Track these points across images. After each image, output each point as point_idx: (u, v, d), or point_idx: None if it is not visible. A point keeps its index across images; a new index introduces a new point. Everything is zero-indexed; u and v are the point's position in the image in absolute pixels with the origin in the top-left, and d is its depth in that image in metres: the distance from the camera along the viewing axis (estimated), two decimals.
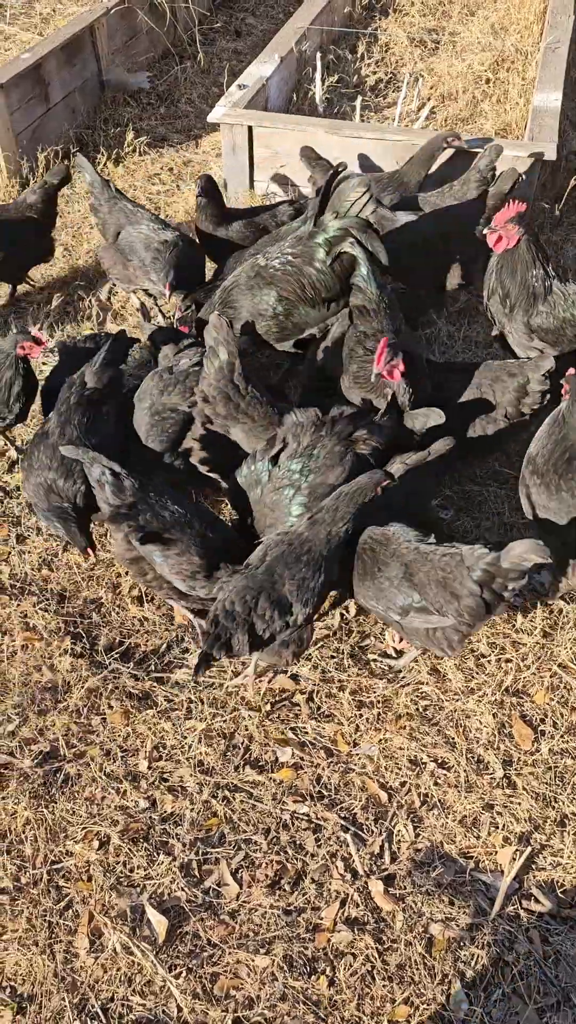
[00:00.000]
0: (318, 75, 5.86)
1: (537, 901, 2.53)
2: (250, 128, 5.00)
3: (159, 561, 2.85)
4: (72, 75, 5.83)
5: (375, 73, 6.39)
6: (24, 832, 2.65)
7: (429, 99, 6.00)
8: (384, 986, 2.36)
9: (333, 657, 3.10)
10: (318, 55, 5.97)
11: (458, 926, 2.47)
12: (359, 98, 5.79)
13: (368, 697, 3.00)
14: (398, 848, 2.64)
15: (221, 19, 7.61)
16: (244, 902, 2.52)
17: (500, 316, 3.68)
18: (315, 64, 5.93)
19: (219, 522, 3.09)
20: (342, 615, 3.23)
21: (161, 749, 2.86)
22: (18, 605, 3.23)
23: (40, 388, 3.61)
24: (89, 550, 3.16)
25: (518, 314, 3.59)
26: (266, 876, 2.57)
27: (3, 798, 2.71)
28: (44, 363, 4.08)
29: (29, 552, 3.44)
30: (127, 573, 3.24)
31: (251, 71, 5.50)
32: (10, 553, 3.44)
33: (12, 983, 2.39)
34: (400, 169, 4.54)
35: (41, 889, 2.54)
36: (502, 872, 2.57)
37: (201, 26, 7.08)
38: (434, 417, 3.14)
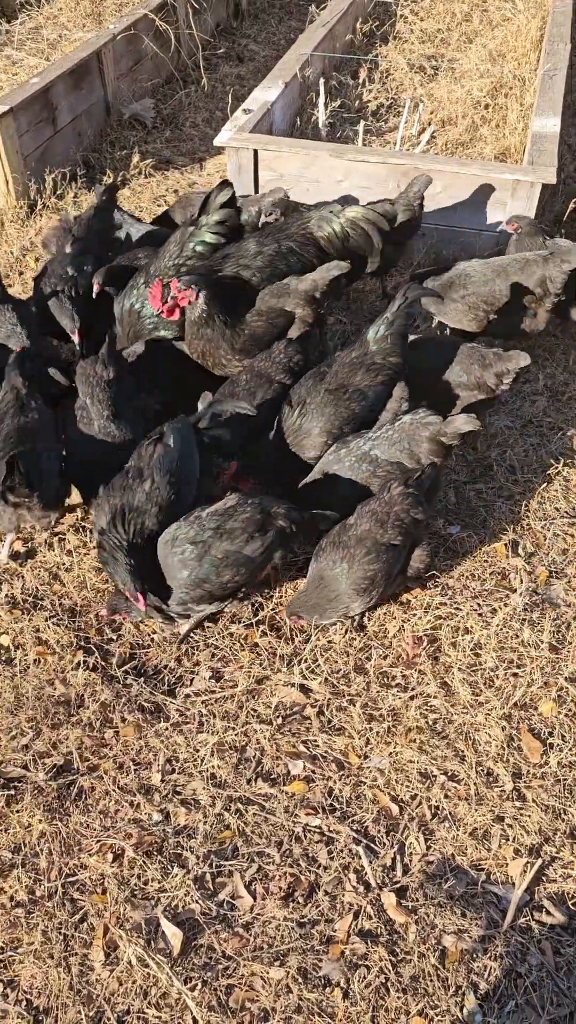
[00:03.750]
0: (321, 100, 5.98)
1: (548, 913, 2.55)
2: (255, 151, 5.09)
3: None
4: (79, 99, 5.93)
5: (376, 98, 6.51)
6: (39, 845, 2.66)
7: (429, 124, 6.11)
8: (399, 998, 2.38)
9: (339, 671, 3.14)
10: (321, 80, 6.09)
11: (471, 938, 2.49)
12: (361, 123, 5.90)
13: (378, 710, 3.03)
14: (410, 860, 2.66)
15: (224, 45, 7.75)
16: (258, 914, 2.54)
17: None
18: (318, 89, 6.05)
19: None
20: (346, 631, 3.27)
21: (174, 762, 2.89)
22: (30, 619, 3.26)
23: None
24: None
25: None
26: (279, 888, 2.59)
27: (17, 811, 2.73)
28: None
29: (39, 567, 3.48)
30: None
31: (256, 96, 5.61)
32: (22, 568, 3.47)
33: (28, 996, 2.40)
34: None
35: (56, 902, 2.56)
36: (513, 884, 2.60)
37: (204, 52, 7.21)
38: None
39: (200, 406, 3.51)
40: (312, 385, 3.49)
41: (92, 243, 4.25)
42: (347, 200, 4.58)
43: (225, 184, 4.08)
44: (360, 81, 6.64)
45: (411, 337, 3.80)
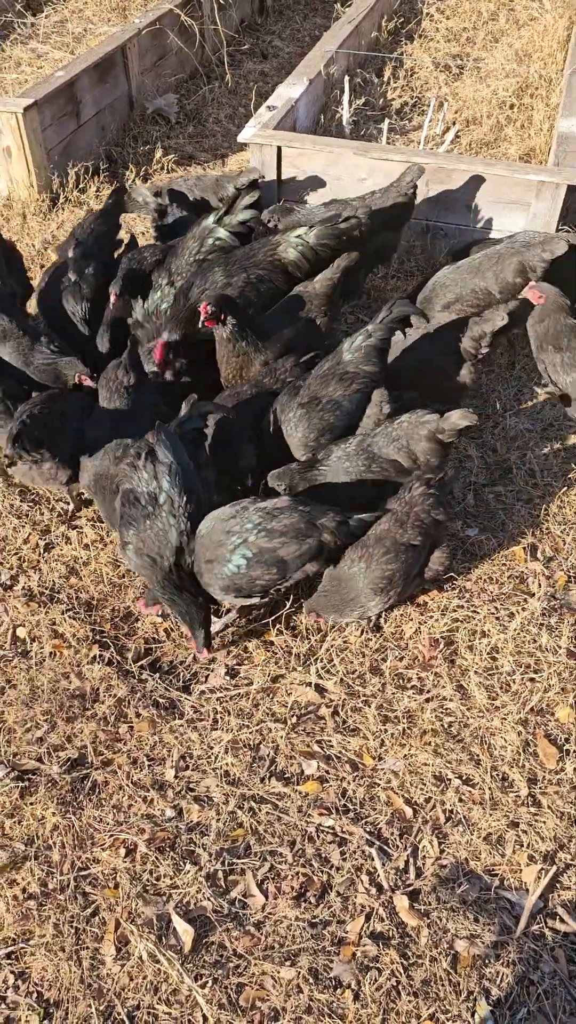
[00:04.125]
0: (346, 97, 5.95)
1: (562, 921, 2.53)
2: (279, 148, 5.08)
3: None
4: (103, 93, 5.93)
5: (401, 97, 6.49)
6: (52, 838, 2.67)
7: (454, 123, 6.08)
8: (410, 1001, 2.36)
9: (355, 672, 3.12)
10: (345, 78, 6.07)
11: (483, 943, 2.48)
12: (386, 121, 5.87)
13: (393, 712, 3.01)
14: (423, 864, 2.65)
15: (248, 41, 7.73)
16: (269, 913, 2.53)
17: None
18: (343, 87, 6.02)
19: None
20: (362, 631, 3.25)
21: (188, 759, 2.88)
22: (47, 613, 3.26)
23: None
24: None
25: None
26: (292, 888, 2.58)
27: (31, 803, 2.74)
28: None
29: (57, 560, 3.48)
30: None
31: (280, 92, 5.59)
32: (39, 561, 3.48)
33: (39, 989, 2.40)
34: None
35: (68, 895, 2.56)
36: (527, 890, 2.58)
37: (229, 47, 7.19)
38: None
39: (184, 409, 3.47)
40: (286, 401, 3.45)
41: (92, 247, 4.20)
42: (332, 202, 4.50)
43: (254, 186, 4.06)
44: (385, 79, 6.61)
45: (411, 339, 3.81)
